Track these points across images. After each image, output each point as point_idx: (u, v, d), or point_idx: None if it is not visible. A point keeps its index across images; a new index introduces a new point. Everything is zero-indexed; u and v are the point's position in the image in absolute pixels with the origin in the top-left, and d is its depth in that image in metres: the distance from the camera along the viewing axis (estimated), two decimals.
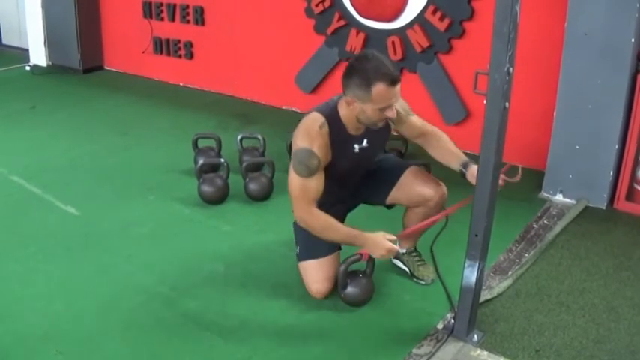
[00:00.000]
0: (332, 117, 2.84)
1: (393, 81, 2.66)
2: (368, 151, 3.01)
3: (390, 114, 2.76)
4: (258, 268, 3.38)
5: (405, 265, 3.32)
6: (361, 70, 2.67)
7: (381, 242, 2.82)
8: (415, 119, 3.14)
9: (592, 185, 4.12)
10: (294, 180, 2.83)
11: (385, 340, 2.84)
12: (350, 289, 3.01)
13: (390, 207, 3.30)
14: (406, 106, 3.10)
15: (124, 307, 3.03)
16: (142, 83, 7.06)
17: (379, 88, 2.65)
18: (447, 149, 3.12)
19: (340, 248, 3.13)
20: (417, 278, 3.26)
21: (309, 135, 2.80)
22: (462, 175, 2.97)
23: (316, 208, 2.87)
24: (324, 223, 2.86)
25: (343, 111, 2.85)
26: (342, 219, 3.18)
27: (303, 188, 2.82)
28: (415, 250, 3.34)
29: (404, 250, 3.31)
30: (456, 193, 3.09)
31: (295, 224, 3.11)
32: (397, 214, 3.28)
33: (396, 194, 3.17)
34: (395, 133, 3.21)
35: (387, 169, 3.20)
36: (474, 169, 2.84)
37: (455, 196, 3.06)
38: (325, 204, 2.93)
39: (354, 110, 2.78)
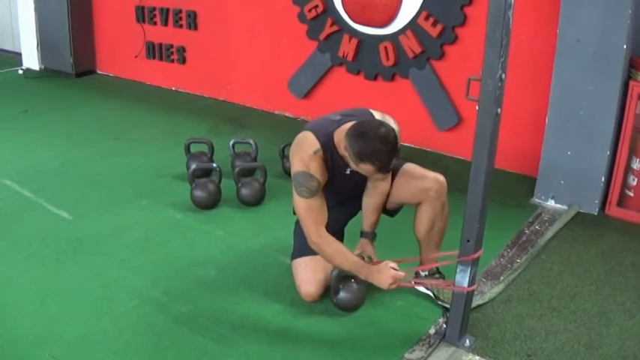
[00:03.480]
0: (327, 144, 2.89)
1: (383, 171, 2.74)
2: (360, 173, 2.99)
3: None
4: (251, 273, 3.38)
5: (428, 288, 3.17)
6: (363, 143, 2.68)
7: (385, 270, 2.82)
8: None
9: (584, 191, 4.13)
10: (299, 202, 2.91)
11: (377, 346, 2.84)
12: (342, 295, 3.01)
13: (392, 214, 3.27)
14: (396, 130, 2.98)
15: (116, 312, 3.02)
16: (135, 88, 7.05)
17: (368, 167, 2.72)
18: (376, 206, 3.15)
19: None
20: (443, 302, 3.09)
21: (304, 160, 2.87)
22: (360, 235, 3.21)
23: (325, 230, 2.92)
24: (335, 247, 2.92)
25: (337, 139, 2.88)
26: (342, 229, 3.29)
27: (307, 208, 2.90)
28: (438, 271, 3.21)
29: (425, 273, 3.21)
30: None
31: (296, 223, 3.17)
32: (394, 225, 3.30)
33: (395, 194, 3.13)
34: None
35: None
36: (364, 242, 3.18)
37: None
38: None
39: (346, 152, 2.81)
